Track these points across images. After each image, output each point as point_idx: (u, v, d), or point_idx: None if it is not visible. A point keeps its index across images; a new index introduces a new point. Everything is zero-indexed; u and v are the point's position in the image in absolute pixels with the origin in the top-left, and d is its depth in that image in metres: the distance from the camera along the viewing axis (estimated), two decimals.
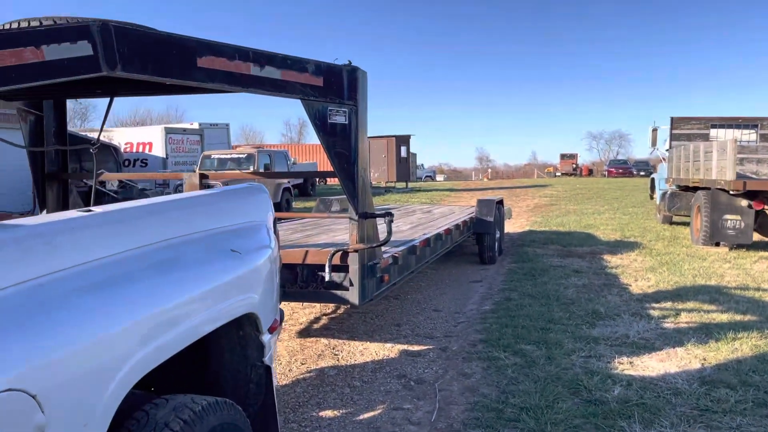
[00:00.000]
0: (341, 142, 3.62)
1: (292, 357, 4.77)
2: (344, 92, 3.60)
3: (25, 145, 3.97)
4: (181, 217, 2.09)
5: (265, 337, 2.33)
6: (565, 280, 7.80)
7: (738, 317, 5.95)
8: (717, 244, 10.57)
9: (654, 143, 15.08)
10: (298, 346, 5.06)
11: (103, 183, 17.85)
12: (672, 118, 13.73)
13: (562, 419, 3.56)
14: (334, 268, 3.89)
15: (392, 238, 6.09)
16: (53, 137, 4.12)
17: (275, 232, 2.85)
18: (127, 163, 23.13)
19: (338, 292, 3.87)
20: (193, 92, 3.58)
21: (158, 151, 23.56)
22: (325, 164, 44.91)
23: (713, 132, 13.68)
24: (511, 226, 14.52)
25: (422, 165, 59.00)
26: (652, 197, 18.02)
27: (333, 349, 5.01)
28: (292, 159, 26.73)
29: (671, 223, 14.37)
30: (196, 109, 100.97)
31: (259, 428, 2.42)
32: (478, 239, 9.22)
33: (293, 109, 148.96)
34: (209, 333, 2.27)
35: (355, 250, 3.74)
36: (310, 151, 46.24)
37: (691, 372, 4.44)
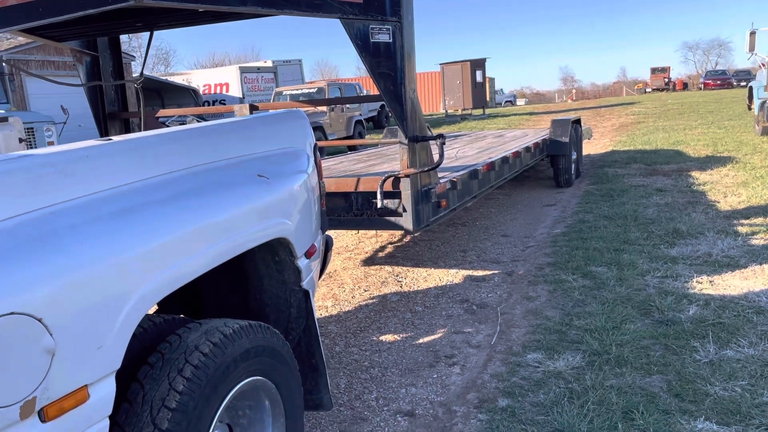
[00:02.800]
0: (386, 63, 3.46)
1: (355, 284, 4.82)
2: (386, 8, 3.42)
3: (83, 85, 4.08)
4: (206, 144, 2.06)
5: (302, 262, 2.32)
6: (645, 199, 7.38)
7: None
8: None
9: (752, 48, 13.72)
10: (362, 273, 5.10)
11: (183, 122, 18.50)
12: None
13: (628, 340, 3.42)
14: (387, 195, 3.82)
15: (456, 164, 5.95)
16: (111, 77, 4.21)
17: (316, 159, 2.80)
18: (206, 104, 23.79)
19: (392, 219, 3.81)
20: (227, 19, 3.51)
21: (235, 90, 24.05)
22: None
23: None
24: (592, 147, 13.88)
25: (501, 90, 57.09)
26: (750, 108, 16.60)
27: (397, 276, 5.02)
28: (366, 91, 26.53)
29: None
30: (271, 48, 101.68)
31: (304, 352, 2.45)
32: (553, 161, 8.85)
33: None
34: (247, 259, 2.29)
35: (407, 175, 3.64)
36: None
37: None
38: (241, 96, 23.67)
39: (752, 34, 13.36)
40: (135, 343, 1.83)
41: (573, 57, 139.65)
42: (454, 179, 4.49)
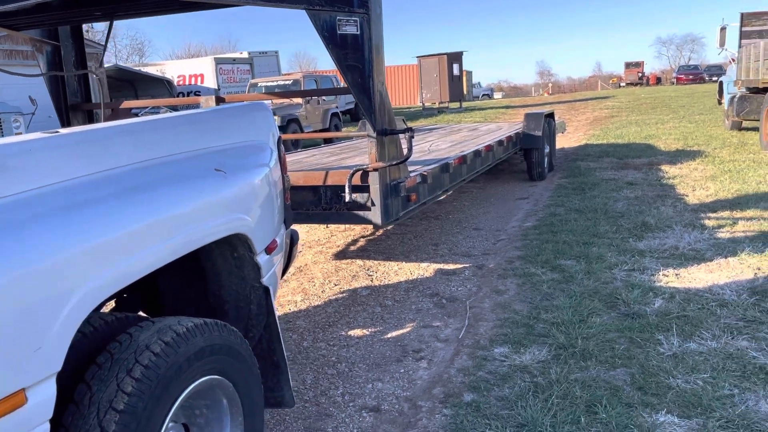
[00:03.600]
0: (353, 55, 3.42)
1: (326, 278, 4.79)
2: None
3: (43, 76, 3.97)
4: (160, 137, 2.00)
5: (262, 258, 2.27)
6: (616, 193, 7.46)
7: None
8: None
9: (722, 43, 13.93)
10: (333, 267, 5.07)
11: (156, 113, 18.23)
12: (742, 14, 12.59)
13: (594, 333, 3.44)
14: (356, 189, 3.79)
15: (429, 157, 5.94)
16: (73, 67, 4.10)
17: (280, 152, 2.75)
18: (180, 95, 23.45)
19: (361, 213, 3.78)
20: (188, 9, 3.44)
21: (210, 82, 23.73)
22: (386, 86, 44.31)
23: None
24: (566, 141, 13.99)
25: (479, 83, 57.27)
26: (720, 102, 16.86)
27: (368, 270, 5.00)
28: (342, 83, 26.39)
29: (740, 129, 13.46)
30: (249, 40, 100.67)
31: (265, 349, 2.41)
32: (526, 155, 8.89)
33: None
34: (204, 255, 2.25)
35: (375, 169, 3.61)
36: None
37: (742, 282, 4.19)
38: (216, 87, 23.37)
39: (722, 29, 13.56)
40: (84, 342, 1.78)
41: (550, 51, 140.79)
42: (425, 173, 4.47)
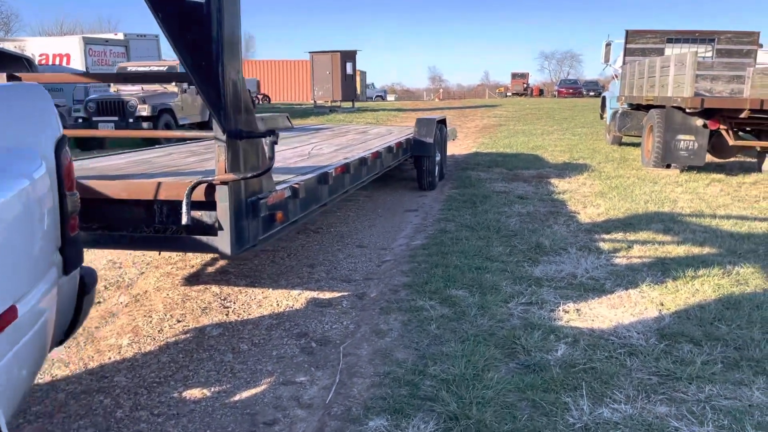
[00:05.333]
0: (196, 30, 2.56)
1: (168, 312, 3.85)
2: None
3: None
4: None
5: None
6: (508, 207, 7.04)
7: (695, 250, 5.31)
8: (668, 166, 10.02)
9: (607, 59, 14.25)
10: (180, 296, 4.13)
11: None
12: (627, 31, 12.84)
13: (491, 396, 2.80)
14: (202, 206, 2.93)
15: (307, 163, 5.13)
16: None
17: (60, 159, 1.85)
18: None
19: (204, 238, 2.92)
20: None
21: (77, 63, 21.43)
22: (277, 81, 42.55)
23: (669, 48, 12.90)
24: (456, 148, 13.70)
25: (373, 84, 57.17)
26: (602, 117, 17.39)
27: (224, 299, 4.11)
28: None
29: (621, 144, 13.80)
30: (131, 20, 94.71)
31: None
32: (417, 163, 8.32)
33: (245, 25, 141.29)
34: None
35: (223, 182, 2.76)
36: (262, 67, 43.67)
37: (648, 322, 3.75)
38: (84, 70, 21.17)
39: (608, 45, 13.83)
40: None
41: (441, 58, 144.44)
42: (296, 185, 3.67)
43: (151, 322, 3.69)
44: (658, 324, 3.71)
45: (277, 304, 4.04)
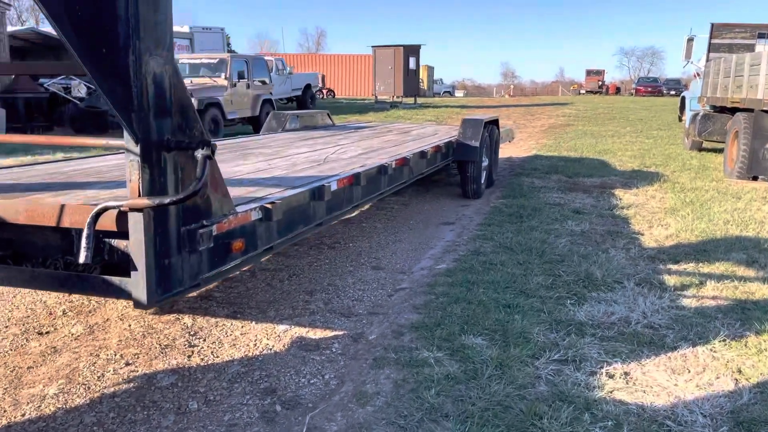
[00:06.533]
0: (89, 3, 1.90)
1: (119, 351, 3.23)
2: None
3: None
4: None
5: None
6: (559, 224, 6.12)
7: None
8: (755, 178, 8.77)
9: (688, 55, 12.85)
10: (144, 328, 3.52)
11: (69, 90, 16.18)
12: (712, 25, 11.49)
13: None
14: (115, 236, 2.28)
15: (316, 170, 4.44)
16: None
17: None
18: None
19: (117, 280, 2.27)
20: None
21: None
22: (342, 76, 42.17)
23: (760, 44, 11.46)
24: (516, 149, 12.75)
25: (441, 80, 56.09)
26: (681, 119, 15.92)
27: (194, 334, 3.47)
28: (289, 68, 24.59)
29: (700, 149, 12.42)
30: (211, 15, 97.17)
31: None
32: (460, 168, 7.50)
33: (309, 18, 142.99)
34: None
35: (135, 209, 2.09)
36: (328, 62, 43.40)
37: (719, 399, 2.85)
38: None
39: (690, 40, 12.46)
40: None
41: (516, 54, 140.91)
42: (270, 205, 2.97)
43: (95, 363, 3.08)
44: (733, 403, 2.80)
45: (254, 345, 3.36)
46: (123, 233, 2.24)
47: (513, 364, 3.11)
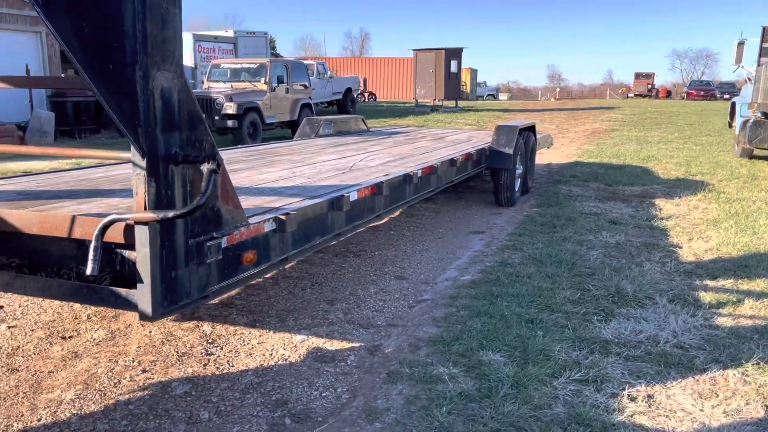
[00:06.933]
0: (94, 17, 1.92)
1: (137, 358, 3.28)
2: None
3: None
4: None
5: None
6: (593, 235, 5.96)
7: None
8: None
9: (739, 59, 12.35)
10: (163, 335, 3.56)
11: None
12: (764, 28, 11.04)
13: None
14: (126, 247, 2.31)
15: (339, 179, 4.43)
16: None
17: None
18: None
19: (124, 292, 2.30)
20: None
21: (187, 59, 22.13)
22: (384, 79, 42.34)
23: None
24: (557, 155, 12.52)
25: (484, 83, 55.61)
26: (731, 125, 15.33)
27: (212, 342, 3.50)
28: (330, 71, 24.76)
29: (751, 157, 11.93)
30: (257, 19, 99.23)
31: None
32: (493, 176, 7.40)
33: (355, 20, 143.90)
34: None
35: (141, 222, 2.11)
36: (370, 65, 43.55)
37: (747, 429, 2.70)
38: (193, 65, 21.84)
39: (741, 44, 11.99)
40: None
41: (562, 57, 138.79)
42: (284, 216, 2.96)
43: (112, 370, 3.14)
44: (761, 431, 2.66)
45: (270, 354, 3.37)
46: (132, 245, 2.26)
47: (530, 383, 3.02)
